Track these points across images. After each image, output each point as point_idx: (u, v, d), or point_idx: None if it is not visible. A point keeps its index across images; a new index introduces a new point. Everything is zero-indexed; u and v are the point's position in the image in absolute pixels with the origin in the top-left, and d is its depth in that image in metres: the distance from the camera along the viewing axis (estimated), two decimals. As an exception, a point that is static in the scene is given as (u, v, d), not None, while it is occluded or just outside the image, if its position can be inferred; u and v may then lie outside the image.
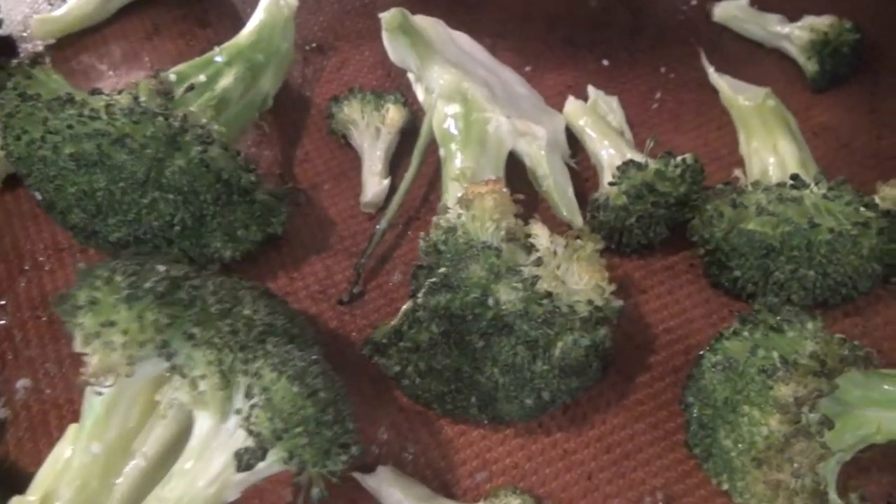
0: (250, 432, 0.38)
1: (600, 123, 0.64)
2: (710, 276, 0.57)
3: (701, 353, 0.47)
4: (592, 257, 0.50)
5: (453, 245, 0.45)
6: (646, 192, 0.55)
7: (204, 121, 0.54)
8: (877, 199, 0.55)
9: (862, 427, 0.43)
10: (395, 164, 0.66)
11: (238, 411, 0.40)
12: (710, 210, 0.54)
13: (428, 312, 0.45)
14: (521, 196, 0.50)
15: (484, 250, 0.44)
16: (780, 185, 0.53)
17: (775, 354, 0.42)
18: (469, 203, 0.46)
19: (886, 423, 0.43)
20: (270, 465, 0.39)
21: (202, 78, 0.59)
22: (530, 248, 0.46)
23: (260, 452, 0.38)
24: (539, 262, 0.46)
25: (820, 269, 0.51)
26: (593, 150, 0.62)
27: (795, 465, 0.40)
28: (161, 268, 0.43)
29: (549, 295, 0.45)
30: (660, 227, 0.57)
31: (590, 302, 0.47)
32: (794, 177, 0.52)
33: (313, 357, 0.42)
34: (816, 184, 0.52)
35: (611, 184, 0.57)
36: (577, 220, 0.58)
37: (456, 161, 0.56)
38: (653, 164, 0.56)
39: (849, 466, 0.50)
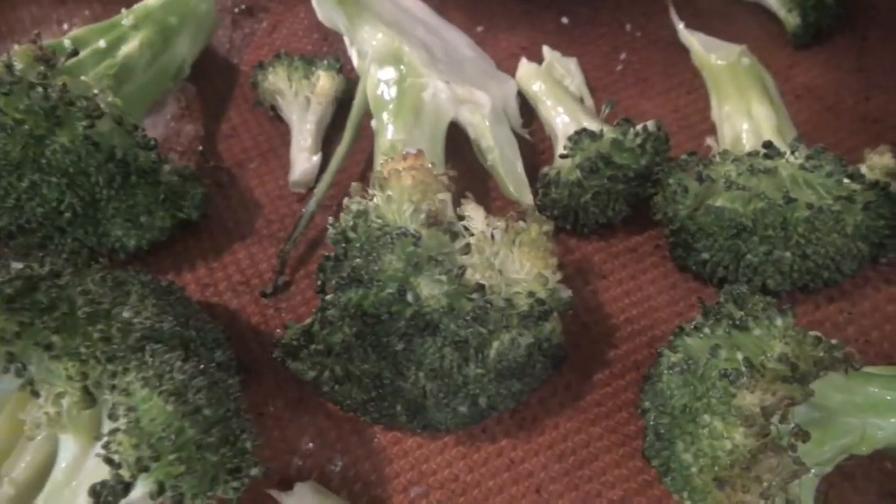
0: (110, 462, 0.32)
1: (556, 88, 0.57)
2: (676, 259, 0.50)
3: (660, 350, 0.41)
4: (537, 242, 0.43)
5: (364, 232, 0.38)
6: (601, 164, 0.48)
7: (95, 92, 0.47)
8: (863, 169, 0.48)
9: (844, 436, 0.37)
10: (331, 139, 0.59)
11: (100, 436, 0.33)
12: (674, 185, 0.47)
13: (338, 311, 0.38)
14: (451, 172, 0.43)
15: (400, 237, 0.37)
16: (752, 154, 0.46)
17: (739, 356, 0.35)
18: (384, 182, 0.39)
19: (871, 431, 0.37)
20: (138, 500, 0.33)
21: (101, 44, 0.52)
22: (457, 234, 0.39)
23: (119, 488, 0.32)
24: (468, 250, 0.39)
25: (798, 251, 0.45)
26: (547, 118, 0.55)
27: (764, 484, 0.34)
28: (15, 265, 0.36)
29: (480, 288, 0.38)
30: (619, 205, 0.51)
31: (531, 294, 0.41)
32: (768, 144, 0.46)
33: (200, 367, 0.36)
34: (793, 152, 0.45)
35: (562, 156, 0.50)
36: (527, 198, 0.51)
37: (387, 133, 0.50)
38: (609, 133, 0.49)
39: (832, 475, 0.44)
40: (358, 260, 0.38)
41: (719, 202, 0.45)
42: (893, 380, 0.38)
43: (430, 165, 0.41)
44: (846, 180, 0.44)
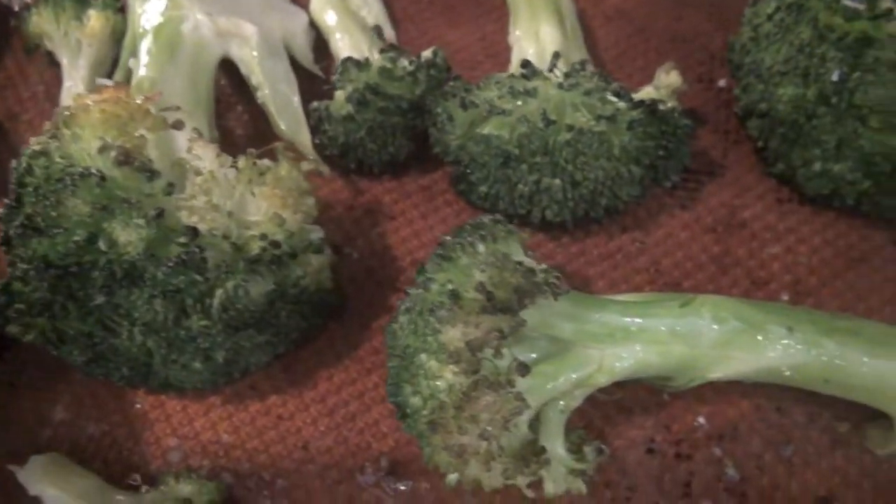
0: None
1: (347, 19, 0.53)
2: (461, 194, 0.48)
3: (407, 289, 0.38)
4: (285, 181, 0.40)
5: (43, 174, 0.34)
6: (370, 95, 0.45)
7: None
8: (650, 89, 0.46)
9: (580, 368, 0.35)
10: (112, 84, 0.54)
11: None
12: (441, 114, 0.44)
13: (27, 265, 0.35)
14: (176, 105, 0.39)
15: (83, 178, 0.34)
16: (513, 76, 0.43)
17: (448, 288, 0.32)
18: (70, 119, 0.35)
19: (609, 361, 0.35)
20: None
21: None
22: (155, 173, 0.35)
23: None
24: (170, 190, 0.35)
25: (567, 177, 0.42)
26: (335, 52, 0.51)
27: (482, 424, 0.32)
28: None
29: (191, 231, 0.35)
30: (400, 140, 0.47)
31: (264, 237, 0.37)
32: (525, 64, 0.43)
33: None
34: (551, 70, 0.42)
35: (328, 88, 0.46)
36: (302, 138, 0.47)
37: (139, 71, 0.45)
38: (377, 62, 0.45)
39: (608, 409, 0.42)
40: (35, 206, 0.34)
41: (486, 129, 0.42)
42: (632, 307, 0.36)
43: (133, 100, 0.36)
44: (612, 98, 0.41)
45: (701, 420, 0.42)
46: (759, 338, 0.36)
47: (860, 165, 0.42)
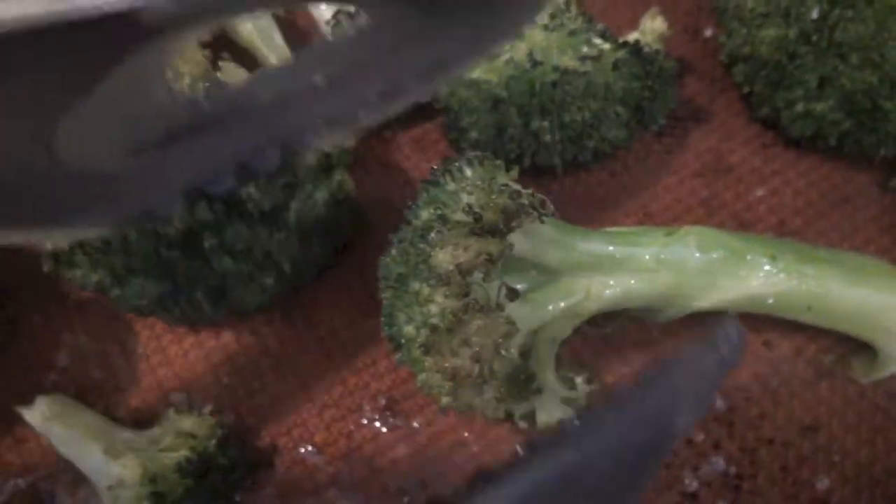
0: None
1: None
2: (451, 142, 0.48)
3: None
4: None
5: None
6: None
7: None
8: (636, 34, 0.47)
9: (570, 295, 0.36)
10: None
11: None
12: (430, 60, 0.44)
13: None
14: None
15: None
16: (500, 19, 0.44)
17: (437, 213, 0.33)
18: None
19: (597, 289, 0.36)
20: None
21: None
22: None
23: None
24: None
25: (554, 119, 0.43)
26: (318, 18, 0.52)
27: (474, 347, 0.33)
28: None
29: None
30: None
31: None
32: (511, 6, 0.43)
33: None
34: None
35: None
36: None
37: None
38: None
39: (598, 345, 0.43)
40: None
41: (475, 74, 0.43)
42: (618, 236, 0.37)
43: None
44: (598, 41, 0.42)
45: (689, 355, 0.43)
46: (743, 265, 0.37)
47: (842, 104, 0.43)
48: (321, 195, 0.40)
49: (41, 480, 0.42)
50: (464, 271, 0.32)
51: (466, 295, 0.32)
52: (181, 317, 0.42)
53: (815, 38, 0.42)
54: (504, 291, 0.33)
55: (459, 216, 0.32)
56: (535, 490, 0.21)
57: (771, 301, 0.38)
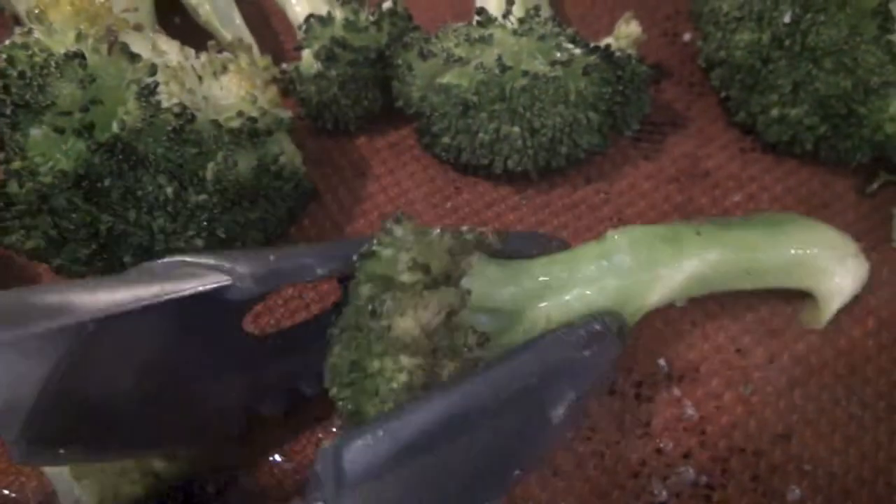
0: None
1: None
2: (425, 148, 0.48)
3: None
4: (246, 71, 0.41)
5: (28, 63, 0.35)
6: (338, 49, 0.45)
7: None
8: (610, 39, 0.46)
9: (535, 325, 0.35)
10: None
11: None
12: (401, 64, 0.44)
13: (25, 158, 0.35)
14: (134, 7, 0.40)
15: (68, 62, 0.34)
16: (469, 24, 0.43)
17: (372, 287, 0.32)
18: (41, 15, 0.36)
19: (554, 312, 0.35)
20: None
21: None
22: (135, 57, 0.36)
23: None
24: (153, 71, 0.36)
25: (525, 124, 0.42)
26: (294, 18, 0.51)
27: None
28: None
29: (181, 107, 0.37)
30: (373, 92, 0.48)
31: (240, 114, 0.39)
32: (480, 11, 0.43)
33: None
34: (505, 17, 0.42)
35: (297, 48, 0.47)
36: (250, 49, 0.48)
37: None
38: (339, 16, 0.46)
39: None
40: (24, 92, 0.35)
41: (446, 79, 0.43)
42: (556, 259, 0.36)
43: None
44: (569, 45, 0.42)
45: (661, 362, 0.43)
46: (675, 248, 0.37)
47: (816, 109, 0.43)
48: (246, 161, 0.39)
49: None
50: (430, 332, 0.31)
51: (434, 351, 0.31)
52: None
53: (787, 42, 0.41)
54: (475, 338, 0.32)
55: (406, 276, 0.31)
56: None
57: (712, 274, 0.37)
